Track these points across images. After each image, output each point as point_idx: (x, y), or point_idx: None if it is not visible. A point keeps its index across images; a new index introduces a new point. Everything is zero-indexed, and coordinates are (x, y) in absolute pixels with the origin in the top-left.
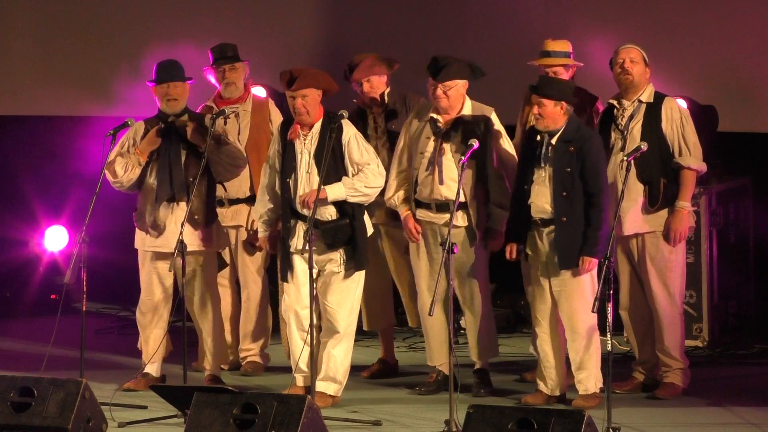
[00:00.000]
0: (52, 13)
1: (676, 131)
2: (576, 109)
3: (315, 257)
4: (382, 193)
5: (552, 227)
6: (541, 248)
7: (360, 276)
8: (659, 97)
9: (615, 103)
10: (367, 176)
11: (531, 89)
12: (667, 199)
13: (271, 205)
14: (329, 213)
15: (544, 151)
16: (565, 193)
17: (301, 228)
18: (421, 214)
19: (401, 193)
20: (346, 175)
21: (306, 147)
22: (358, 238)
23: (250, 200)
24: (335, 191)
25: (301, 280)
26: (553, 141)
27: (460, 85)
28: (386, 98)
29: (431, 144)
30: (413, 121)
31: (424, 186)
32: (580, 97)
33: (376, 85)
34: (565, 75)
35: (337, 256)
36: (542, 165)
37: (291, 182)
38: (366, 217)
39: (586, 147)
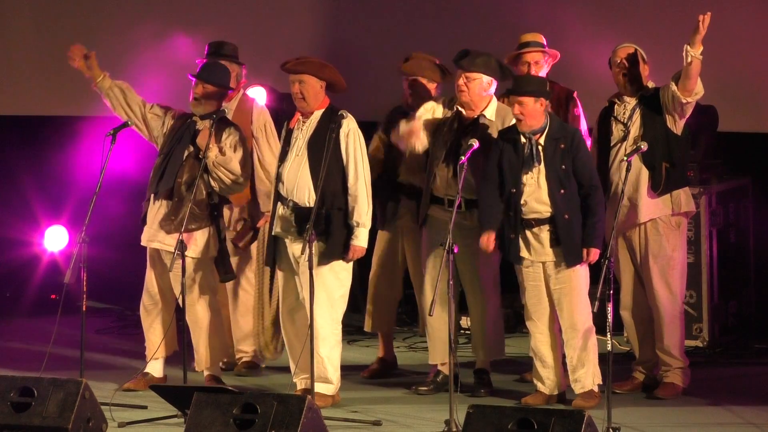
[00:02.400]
0: (52, 13)
1: (672, 85)
2: (555, 103)
3: (288, 243)
4: (411, 196)
5: (548, 226)
6: (537, 248)
7: (340, 269)
8: (656, 89)
9: (615, 100)
10: (363, 206)
11: (509, 92)
12: (669, 183)
13: None
14: (308, 198)
15: (534, 151)
16: (563, 191)
17: (280, 210)
18: (434, 211)
19: None
20: (344, 167)
21: (302, 134)
22: (333, 228)
23: (226, 201)
24: (366, 237)
25: (283, 268)
26: (541, 140)
27: (484, 82)
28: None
29: (451, 137)
30: (444, 109)
31: (440, 178)
32: (556, 91)
33: (420, 89)
34: (544, 64)
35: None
36: (534, 165)
37: (282, 166)
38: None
39: (575, 143)
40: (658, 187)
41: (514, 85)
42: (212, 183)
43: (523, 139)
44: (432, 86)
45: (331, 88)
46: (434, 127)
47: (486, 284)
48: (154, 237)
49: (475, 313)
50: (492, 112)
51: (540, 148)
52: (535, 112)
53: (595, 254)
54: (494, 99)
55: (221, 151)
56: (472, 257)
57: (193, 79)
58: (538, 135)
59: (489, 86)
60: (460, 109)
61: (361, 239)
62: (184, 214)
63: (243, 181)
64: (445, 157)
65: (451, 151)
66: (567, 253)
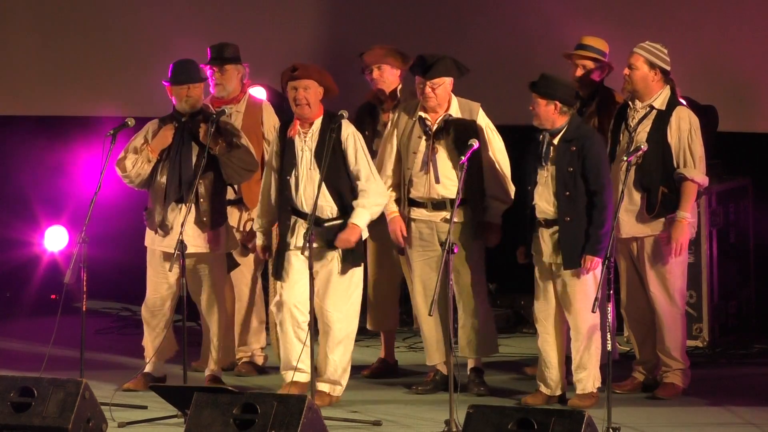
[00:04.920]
0: (53, 13)
1: (684, 143)
2: (602, 110)
3: (308, 257)
4: (397, 201)
5: (555, 227)
6: (544, 248)
7: (358, 276)
8: (672, 105)
9: (630, 102)
10: (372, 196)
11: (530, 86)
12: (665, 207)
13: (269, 214)
14: (330, 211)
15: (545, 150)
16: (568, 193)
17: (301, 227)
18: (417, 213)
19: (391, 195)
20: (348, 174)
21: (306, 145)
22: None
23: (240, 201)
24: (363, 219)
25: (296, 278)
26: (555, 141)
27: (447, 83)
28: (399, 94)
29: (423, 143)
30: (401, 120)
31: (418, 185)
32: (608, 99)
33: (387, 75)
34: (595, 72)
35: (333, 255)
36: (544, 165)
37: (291, 180)
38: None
39: (587, 146)
40: (652, 211)
41: (536, 82)
42: (225, 174)
43: (540, 137)
44: (396, 73)
45: (325, 94)
46: (397, 136)
47: (473, 280)
48: (172, 241)
49: (464, 310)
50: (456, 109)
51: (552, 148)
52: (547, 113)
53: (592, 262)
54: (453, 96)
55: (231, 144)
56: (460, 253)
57: (167, 84)
58: (554, 135)
59: (450, 85)
60: (423, 115)
61: (358, 218)
62: (195, 216)
63: (255, 168)
64: (423, 163)
65: (427, 157)
66: (566, 256)
